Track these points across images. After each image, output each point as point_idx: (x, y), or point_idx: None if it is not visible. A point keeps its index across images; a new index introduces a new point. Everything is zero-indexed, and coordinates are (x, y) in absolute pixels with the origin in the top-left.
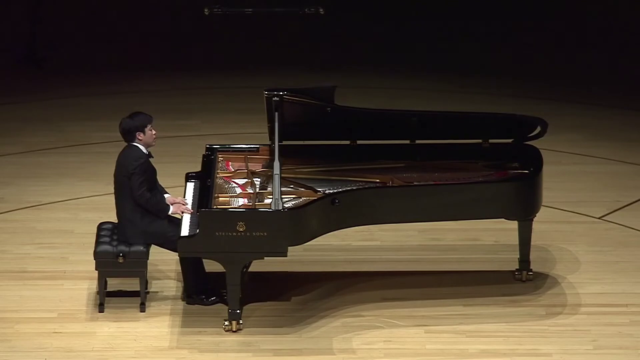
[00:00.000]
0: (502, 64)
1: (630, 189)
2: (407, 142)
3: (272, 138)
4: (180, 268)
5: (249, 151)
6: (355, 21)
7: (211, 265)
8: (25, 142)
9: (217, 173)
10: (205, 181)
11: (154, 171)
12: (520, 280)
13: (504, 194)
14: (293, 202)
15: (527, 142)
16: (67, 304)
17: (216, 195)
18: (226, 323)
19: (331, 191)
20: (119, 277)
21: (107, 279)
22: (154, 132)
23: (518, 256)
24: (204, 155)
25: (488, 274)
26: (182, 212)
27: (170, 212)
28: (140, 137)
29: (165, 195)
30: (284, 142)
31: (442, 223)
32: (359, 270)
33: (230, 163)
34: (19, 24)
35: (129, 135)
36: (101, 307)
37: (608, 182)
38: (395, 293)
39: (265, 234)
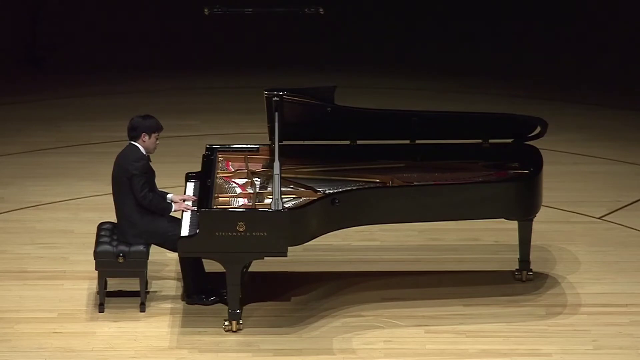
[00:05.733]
0: (501, 64)
1: (630, 189)
2: (407, 142)
3: (272, 138)
4: (180, 268)
5: (249, 151)
6: (355, 21)
7: (211, 265)
8: (25, 142)
9: (217, 173)
10: (205, 181)
11: (153, 173)
12: (520, 280)
13: (504, 194)
14: (293, 202)
15: (527, 142)
16: (67, 304)
17: (216, 195)
18: (226, 323)
19: (331, 191)
20: (119, 277)
21: (107, 279)
22: (158, 141)
23: (518, 256)
24: (204, 155)
25: (488, 274)
26: (184, 210)
27: (173, 210)
28: (144, 139)
29: (169, 195)
30: (284, 142)
31: (442, 223)
32: (359, 270)
33: (230, 163)
34: (19, 24)
35: (134, 132)
36: (101, 307)
37: (608, 182)
38: (395, 293)
39: (265, 234)
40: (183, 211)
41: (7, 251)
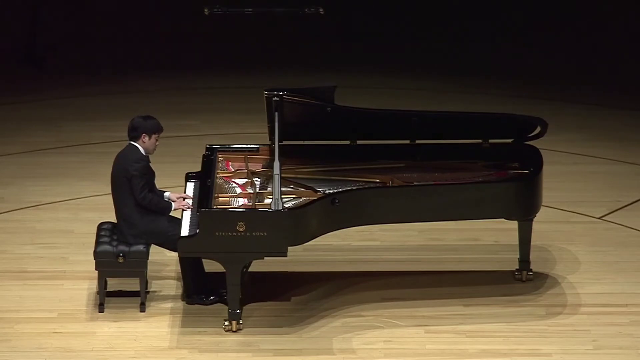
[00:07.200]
0: (502, 64)
1: (630, 189)
2: (407, 142)
3: (272, 138)
4: (180, 268)
5: (249, 151)
6: (356, 21)
7: (211, 265)
8: (25, 142)
9: (217, 173)
10: (205, 181)
11: (153, 174)
12: (520, 280)
13: (504, 194)
14: (293, 202)
15: (527, 142)
16: (67, 304)
17: (216, 195)
18: (226, 323)
19: (331, 191)
20: (119, 277)
21: (107, 279)
22: (157, 142)
23: (518, 256)
24: (204, 155)
25: (488, 274)
26: (183, 209)
27: (173, 208)
28: (144, 140)
29: (166, 194)
30: (284, 142)
31: (442, 223)
32: (359, 270)
33: (230, 163)
34: (19, 24)
35: (134, 132)
36: (101, 307)
37: (608, 182)
38: (395, 293)
39: (265, 234)
40: (183, 210)
41: (7, 251)
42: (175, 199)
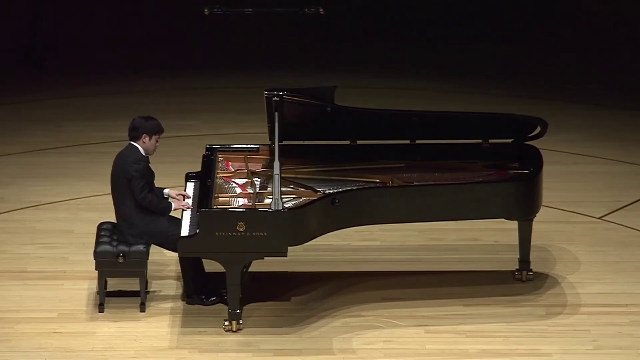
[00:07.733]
0: (502, 64)
1: (630, 189)
2: (407, 142)
3: (272, 138)
4: (180, 268)
5: (249, 151)
6: (355, 21)
7: (211, 265)
8: (25, 142)
9: (217, 173)
10: (205, 181)
11: (152, 174)
12: (520, 280)
13: (504, 194)
14: (293, 202)
15: (527, 142)
16: (67, 304)
17: (216, 195)
18: (226, 323)
19: (331, 191)
20: (119, 277)
21: (107, 279)
22: (158, 143)
23: (518, 256)
24: (204, 155)
25: (488, 274)
26: (183, 209)
27: (173, 208)
28: (144, 140)
29: (166, 190)
30: (284, 142)
31: (442, 223)
32: (359, 270)
33: (230, 163)
34: (19, 24)
35: (135, 132)
36: (101, 307)
37: (608, 182)
38: (395, 293)
39: (265, 234)
40: (183, 210)
41: (7, 251)
42: (174, 195)
